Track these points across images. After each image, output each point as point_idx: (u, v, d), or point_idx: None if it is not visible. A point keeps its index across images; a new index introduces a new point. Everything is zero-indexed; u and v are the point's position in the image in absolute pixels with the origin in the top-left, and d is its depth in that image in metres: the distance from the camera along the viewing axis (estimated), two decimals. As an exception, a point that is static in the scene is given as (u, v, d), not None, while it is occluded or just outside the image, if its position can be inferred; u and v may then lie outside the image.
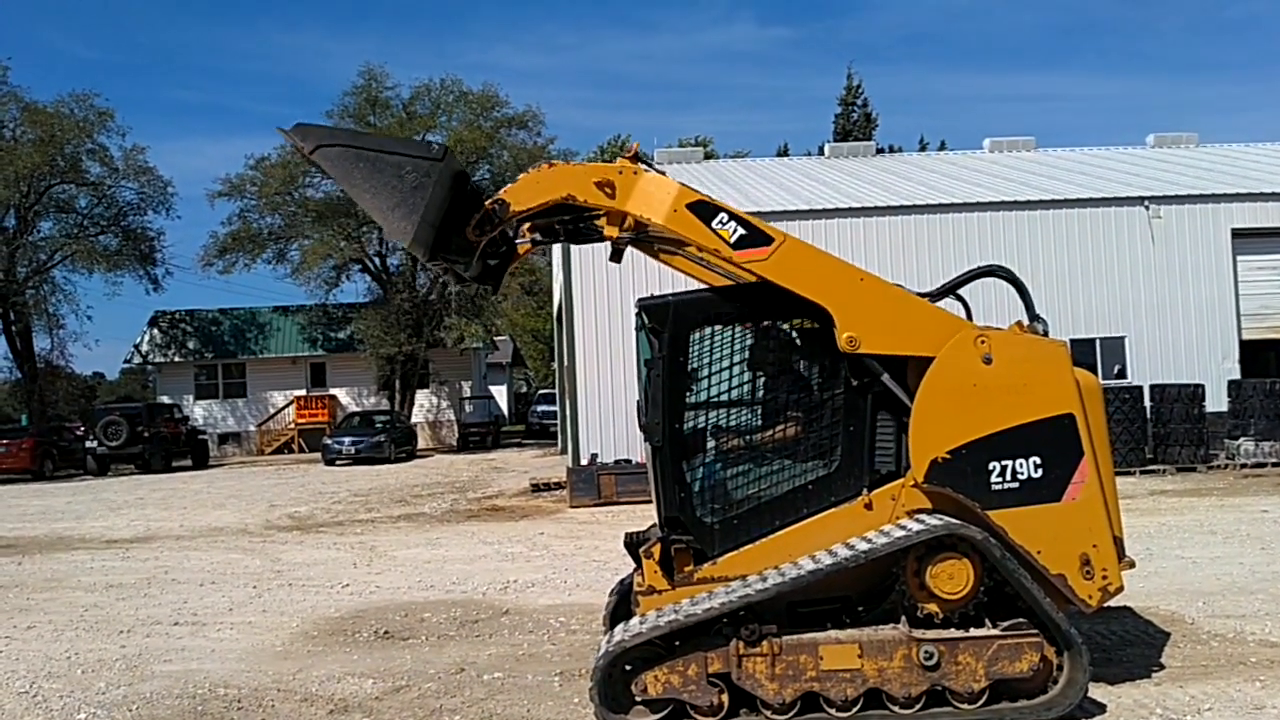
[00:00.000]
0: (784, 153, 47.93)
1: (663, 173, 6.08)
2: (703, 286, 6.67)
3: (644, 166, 6.05)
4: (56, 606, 10.54)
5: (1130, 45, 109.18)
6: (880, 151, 34.22)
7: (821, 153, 32.86)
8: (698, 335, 6.05)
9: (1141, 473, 18.39)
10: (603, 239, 6.33)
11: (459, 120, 37.46)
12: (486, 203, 6.01)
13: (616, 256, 6.60)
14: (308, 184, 37.68)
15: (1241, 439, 19.28)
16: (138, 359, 42.72)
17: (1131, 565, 6.17)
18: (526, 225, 6.43)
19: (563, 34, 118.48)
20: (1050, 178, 25.04)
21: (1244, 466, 18.75)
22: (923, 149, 48.64)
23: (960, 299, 6.61)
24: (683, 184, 6.01)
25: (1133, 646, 7.18)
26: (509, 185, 6.14)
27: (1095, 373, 15.05)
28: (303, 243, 37.62)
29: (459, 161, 5.85)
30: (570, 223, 6.39)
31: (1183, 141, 30.02)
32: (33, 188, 36.75)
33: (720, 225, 5.88)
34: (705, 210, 5.92)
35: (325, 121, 40.53)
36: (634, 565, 6.38)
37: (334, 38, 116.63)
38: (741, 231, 5.87)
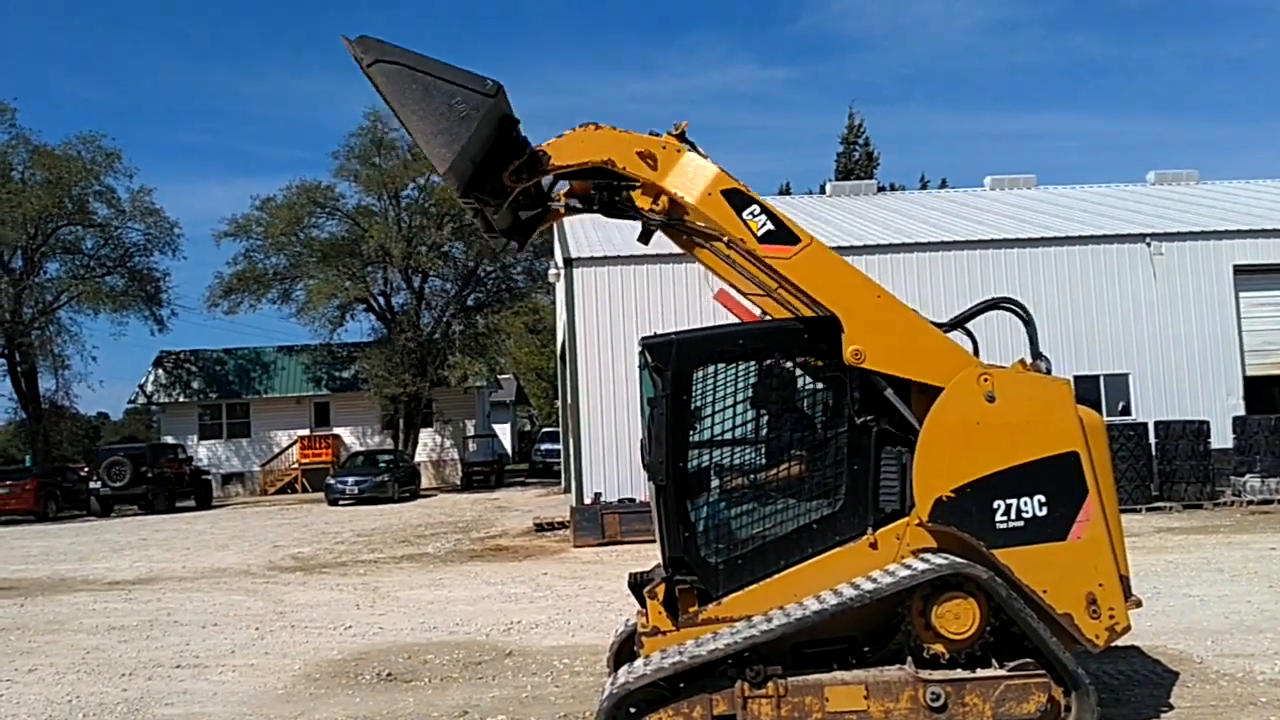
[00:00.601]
0: (785, 191, 48.12)
1: (706, 157, 6.11)
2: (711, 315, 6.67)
3: (688, 147, 6.08)
4: (58, 649, 10.49)
5: (1131, 84, 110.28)
6: (882, 190, 34.40)
7: (823, 191, 33.04)
8: (701, 374, 6.05)
9: (1147, 510, 18.30)
10: (636, 215, 6.35)
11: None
12: (530, 148, 6.01)
13: (645, 237, 6.60)
14: (313, 224, 37.97)
15: (1247, 475, 19.21)
16: (142, 399, 42.79)
17: (1138, 604, 6.12)
18: (564, 191, 6.46)
19: (564, 75, 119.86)
20: (1052, 215, 25.15)
21: (1250, 503, 18.66)
22: (924, 187, 48.83)
23: (968, 333, 6.62)
24: (723, 170, 6.06)
25: (1141, 686, 7.12)
26: (553, 139, 6.14)
27: (1099, 409, 15.04)
28: (308, 282, 37.78)
29: (510, 103, 5.86)
30: (606, 192, 6.39)
31: (1183, 179, 30.14)
32: (40, 229, 37.03)
33: (751, 216, 5.93)
34: (739, 199, 5.96)
35: (331, 162, 40.97)
36: (638, 606, 6.35)
37: (339, 81, 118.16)
38: (770, 226, 5.92)
